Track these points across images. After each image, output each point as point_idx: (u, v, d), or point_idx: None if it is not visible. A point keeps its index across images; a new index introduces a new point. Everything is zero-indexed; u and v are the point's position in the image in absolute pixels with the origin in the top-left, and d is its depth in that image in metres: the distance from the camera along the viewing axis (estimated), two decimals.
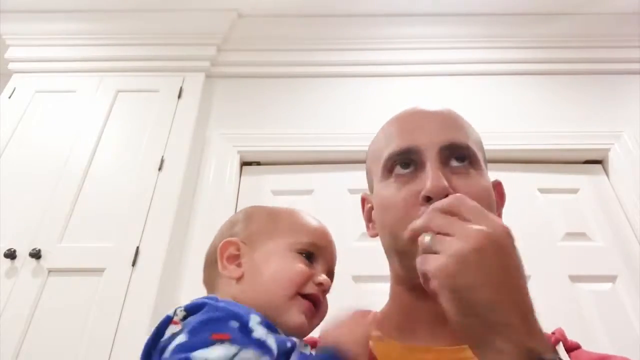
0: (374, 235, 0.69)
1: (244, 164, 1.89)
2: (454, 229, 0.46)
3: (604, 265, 1.63)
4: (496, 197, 0.68)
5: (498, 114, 1.92)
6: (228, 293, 0.59)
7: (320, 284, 0.59)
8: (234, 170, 1.82)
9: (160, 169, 1.72)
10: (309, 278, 0.59)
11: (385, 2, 2.12)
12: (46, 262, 1.52)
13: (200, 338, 0.47)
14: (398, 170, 0.64)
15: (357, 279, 1.55)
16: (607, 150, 1.84)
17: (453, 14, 2.13)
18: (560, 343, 0.59)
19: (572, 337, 0.62)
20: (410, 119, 0.69)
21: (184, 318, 0.51)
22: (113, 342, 1.38)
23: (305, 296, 0.58)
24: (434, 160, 0.62)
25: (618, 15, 2.09)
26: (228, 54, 2.10)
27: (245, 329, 0.49)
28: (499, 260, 0.44)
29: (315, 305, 0.58)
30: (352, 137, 1.82)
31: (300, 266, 0.59)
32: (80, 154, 1.76)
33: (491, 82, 2.04)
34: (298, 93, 2.02)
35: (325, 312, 0.60)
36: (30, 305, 1.44)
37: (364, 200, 0.74)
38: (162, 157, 1.75)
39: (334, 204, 1.74)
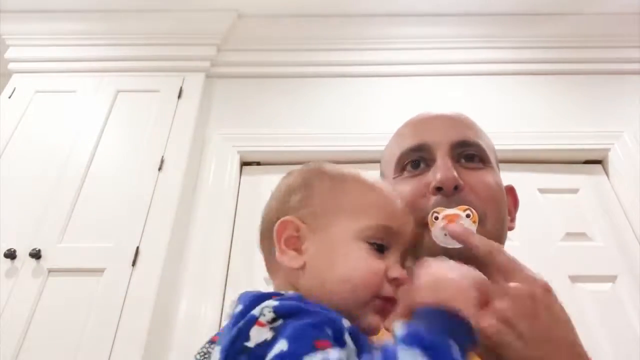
0: None
1: (244, 164, 1.89)
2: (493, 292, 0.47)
3: (604, 265, 1.63)
4: (510, 202, 0.70)
5: (498, 114, 1.92)
6: (288, 282, 0.53)
7: (395, 279, 0.50)
8: (234, 170, 1.82)
9: (160, 169, 1.72)
10: (384, 277, 0.50)
11: (385, 2, 2.12)
12: (46, 262, 1.52)
13: (303, 345, 0.40)
14: (409, 168, 0.66)
15: None
16: (607, 150, 1.84)
17: (453, 14, 2.13)
18: None
19: None
20: (422, 121, 0.71)
21: (273, 321, 0.44)
22: (113, 342, 1.38)
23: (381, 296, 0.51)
24: (445, 155, 0.63)
25: (618, 15, 2.08)
26: (228, 54, 2.10)
27: (340, 338, 0.43)
28: (547, 319, 0.46)
29: (391, 302, 0.51)
30: (352, 137, 1.82)
31: (374, 265, 0.50)
32: (80, 154, 1.76)
33: (491, 82, 2.03)
34: (298, 93, 2.02)
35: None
36: (30, 305, 1.43)
37: None
38: (162, 157, 1.75)
39: None
